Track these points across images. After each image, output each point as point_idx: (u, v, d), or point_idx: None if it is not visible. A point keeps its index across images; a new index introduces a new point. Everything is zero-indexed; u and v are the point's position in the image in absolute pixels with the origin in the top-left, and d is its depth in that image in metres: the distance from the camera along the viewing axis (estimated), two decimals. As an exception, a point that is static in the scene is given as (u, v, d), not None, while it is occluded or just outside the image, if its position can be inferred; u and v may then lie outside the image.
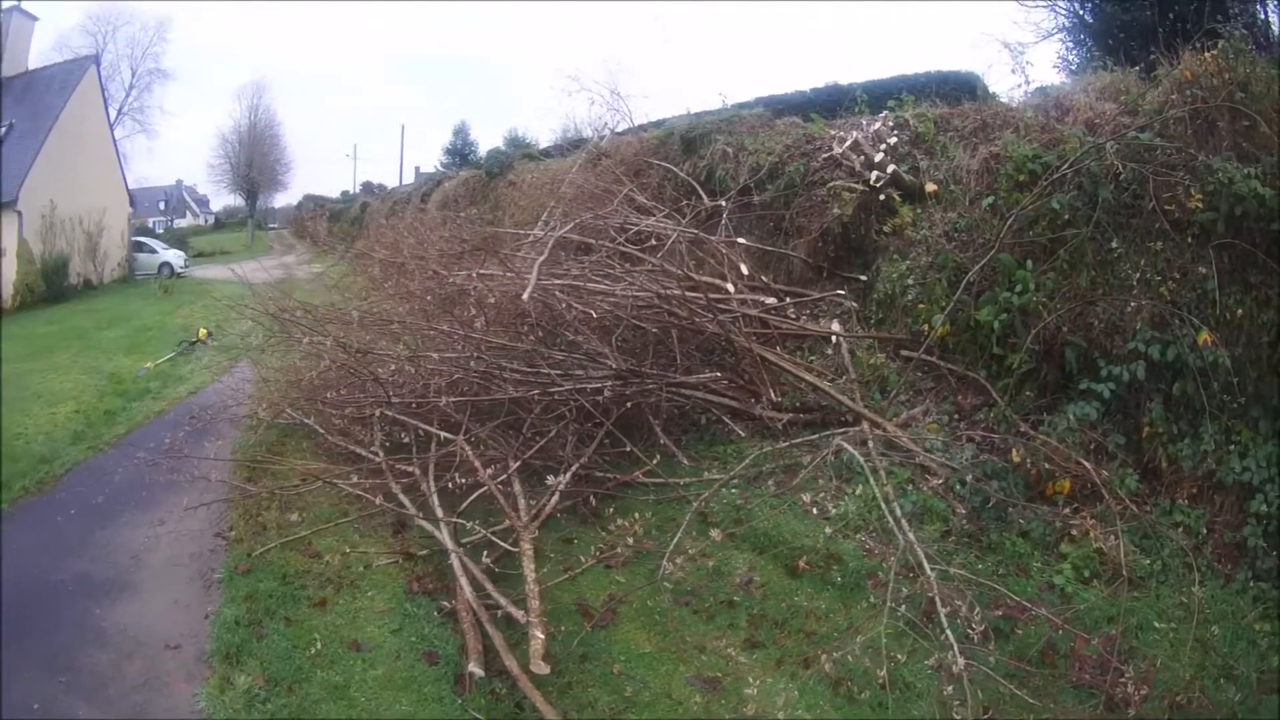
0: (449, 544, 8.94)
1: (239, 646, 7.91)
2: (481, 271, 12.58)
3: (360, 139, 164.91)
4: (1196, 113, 10.91)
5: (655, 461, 10.90)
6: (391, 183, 67.54)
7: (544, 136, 35.05)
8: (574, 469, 10.33)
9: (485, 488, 9.58)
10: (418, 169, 64.53)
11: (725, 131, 17.16)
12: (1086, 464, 9.61)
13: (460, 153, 58.57)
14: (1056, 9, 28.65)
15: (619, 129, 21.29)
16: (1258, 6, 22.79)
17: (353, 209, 55.05)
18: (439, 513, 9.53)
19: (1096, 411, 10.11)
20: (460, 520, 9.47)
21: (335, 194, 78.74)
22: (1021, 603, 8.43)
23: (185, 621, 8.52)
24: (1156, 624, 8.35)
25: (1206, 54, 11.25)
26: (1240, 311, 9.95)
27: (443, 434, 10.61)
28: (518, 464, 10.22)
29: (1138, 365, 9.98)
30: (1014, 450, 10.04)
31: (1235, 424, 9.67)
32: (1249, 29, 17.25)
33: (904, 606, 8.12)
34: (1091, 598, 8.61)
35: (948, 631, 7.63)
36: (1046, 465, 9.80)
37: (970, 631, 7.79)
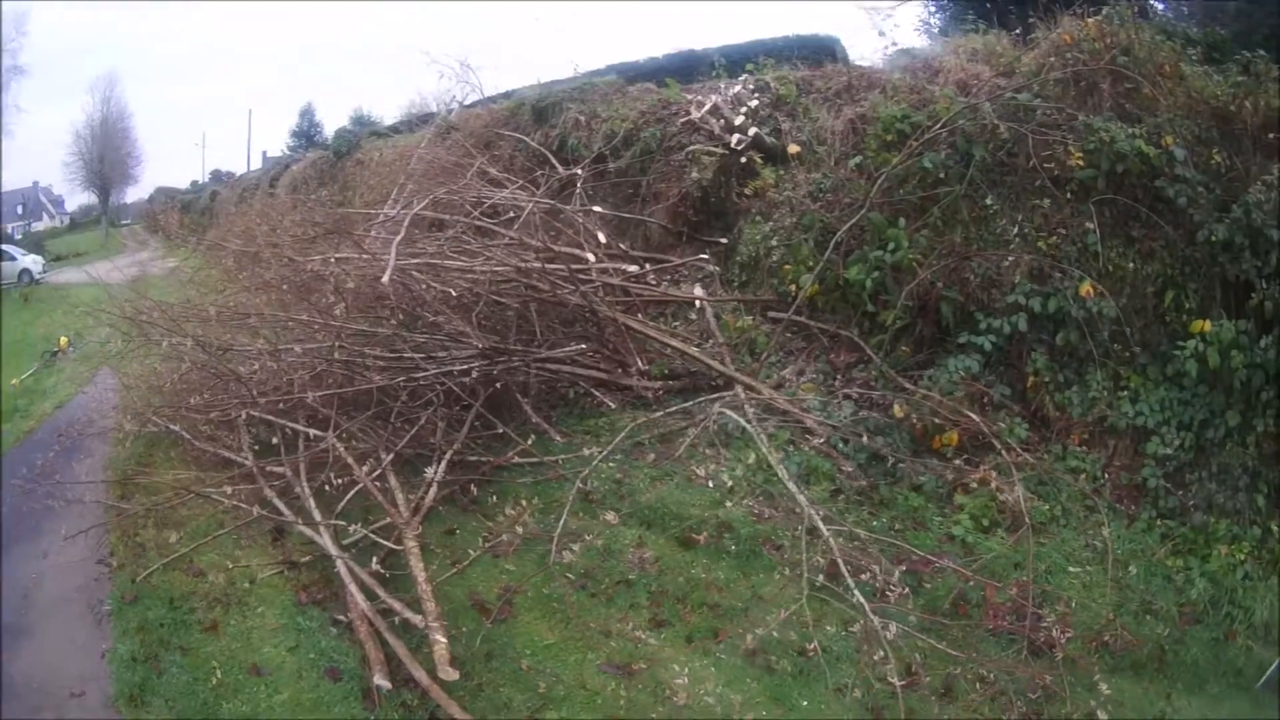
0: (332, 549, 8.63)
1: (141, 686, 7.53)
2: (337, 255, 12.16)
3: (210, 127, 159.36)
4: (1078, 75, 11.44)
5: (530, 441, 10.62)
6: (241, 169, 65.70)
7: (392, 114, 34.40)
8: (448, 456, 10.06)
9: (361, 485, 9.30)
10: (265, 154, 62.87)
11: (578, 100, 17.01)
12: (973, 415, 9.86)
13: (307, 135, 57.22)
14: None
15: (468, 101, 20.91)
16: None
17: (203, 199, 53.37)
18: (317, 516, 9.19)
19: (978, 364, 10.40)
20: (340, 523, 9.10)
21: (186, 185, 76.24)
22: (925, 556, 8.57)
23: (84, 663, 8.07)
24: (1069, 568, 8.64)
25: (1089, 19, 11.76)
26: (1123, 264, 10.51)
27: (311, 432, 10.30)
28: (390, 456, 9.89)
29: (1019, 317, 10.34)
30: (896, 405, 10.19)
31: (1124, 370, 10.21)
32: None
33: (807, 571, 8.11)
34: (995, 546, 8.84)
35: (855, 592, 7.69)
36: (933, 419, 9.97)
37: (886, 590, 7.95)
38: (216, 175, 70.26)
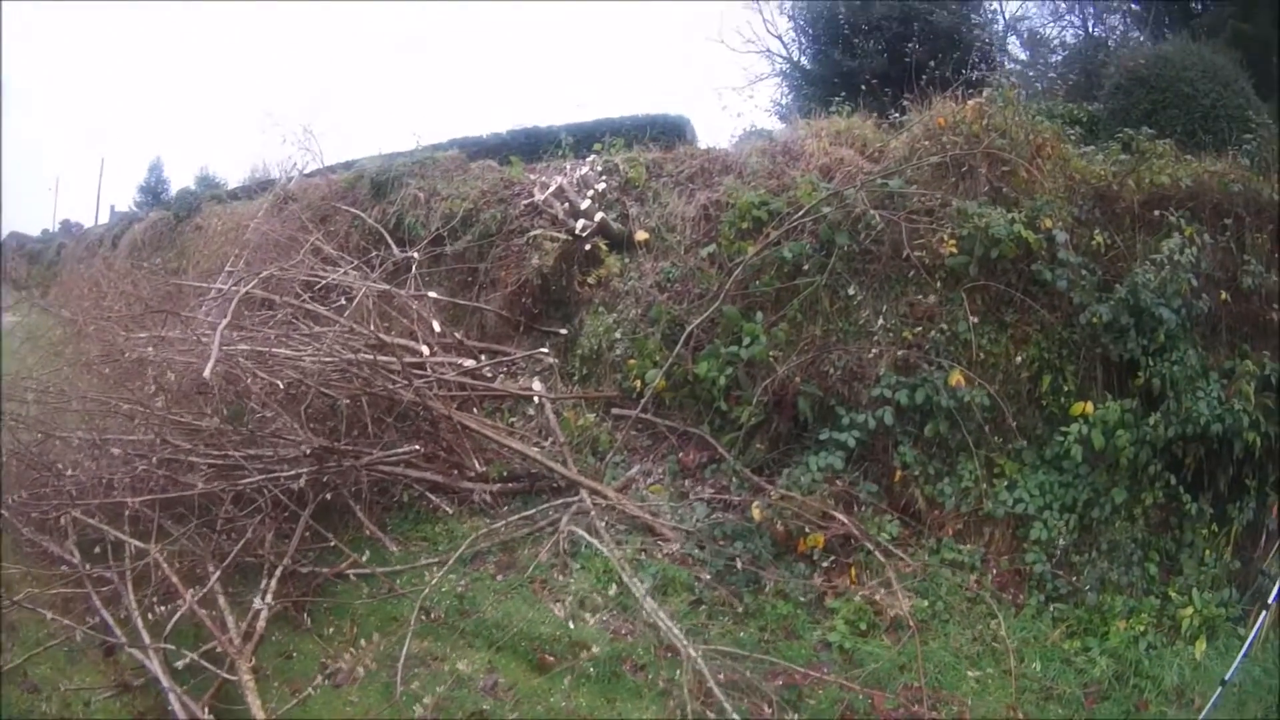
0: (163, 679, 8.03)
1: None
2: (161, 335, 11.87)
3: (72, 170, 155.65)
4: (955, 160, 11.46)
5: (365, 558, 10.15)
6: (90, 222, 64.41)
7: (236, 175, 34.16)
8: (278, 574, 9.54)
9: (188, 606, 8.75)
10: (113, 208, 61.77)
11: (417, 175, 16.83)
12: (840, 515, 9.75)
13: (154, 191, 56.42)
14: (771, 55, 30.30)
15: (308, 170, 20.67)
16: (996, 54, 24.72)
17: (50, 250, 52.18)
18: (145, 637, 8.58)
19: (841, 461, 10.30)
20: (169, 646, 8.43)
21: (38, 231, 74.46)
22: (799, 670, 8.35)
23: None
24: (960, 665, 8.57)
25: (968, 102, 11.84)
26: (996, 350, 10.63)
27: (135, 543, 9.61)
28: (218, 572, 9.32)
29: (884, 411, 10.30)
30: (754, 508, 10.04)
31: (997, 458, 10.32)
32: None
33: (674, 694, 7.90)
34: (877, 651, 8.68)
35: (733, 715, 7.49)
36: (796, 521, 9.82)
37: (764, 708, 7.76)
38: (66, 226, 68.77)
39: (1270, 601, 8.71)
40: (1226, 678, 7.99)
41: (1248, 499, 9.87)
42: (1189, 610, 9.03)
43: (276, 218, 18.07)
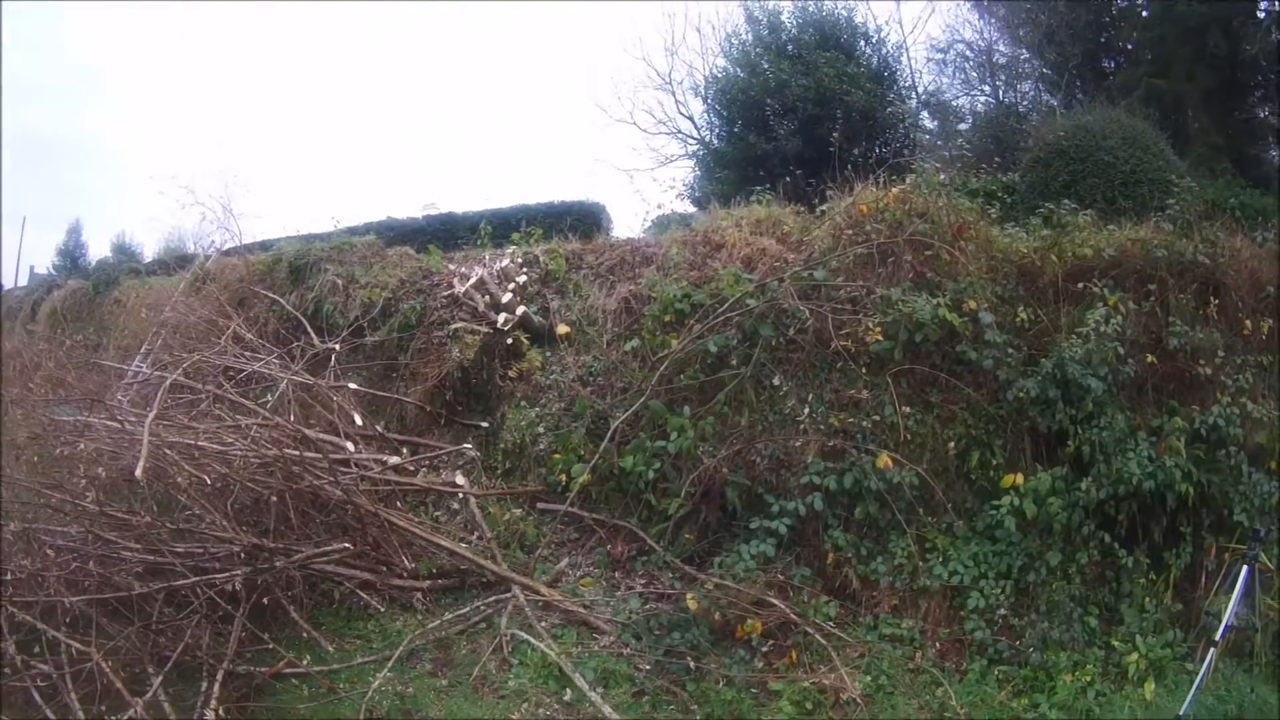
0: None
1: None
2: (86, 419, 11.54)
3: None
4: (880, 248, 11.67)
5: (306, 661, 10.03)
6: (10, 283, 63.37)
7: (153, 245, 33.93)
8: (219, 676, 9.35)
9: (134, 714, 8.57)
10: (32, 269, 60.77)
11: (336, 260, 16.75)
12: (776, 601, 9.91)
13: (72, 255, 55.72)
14: (683, 136, 30.73)
15: (226, 248, 20.50)
16: (912, 131, 25.02)
17: None
18: None
19: (773, 548, 10.44)
20: None
21: None
22: None
23: None
24: None
25: (891, 189, 12.07)
26: (923, 431, 10.89)
27: (75, 644, 9.35)
28: (160, 677, 9.15)
29: (814, 497, 10.49)
30: (689, 598, 10.13)
31: (928, 533, 10.55)
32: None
33: None
34: None
35: None
36: (731, 609, 9.91)
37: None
38: (-16, 285, 67.60)
39: (1216, 638, 8.92)
40: (1181, 713, 8.40)
41: (1184, 545, 10.26)
42: (1134, 656, 9.33)
43: (195, 297, 17.88)
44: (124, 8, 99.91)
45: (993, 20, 27.71)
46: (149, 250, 32.33)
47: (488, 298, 14.14)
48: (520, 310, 13.73)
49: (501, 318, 13.73)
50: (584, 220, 18.16)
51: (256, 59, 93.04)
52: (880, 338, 10.94)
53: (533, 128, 72.62)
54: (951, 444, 10.87)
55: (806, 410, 11.16)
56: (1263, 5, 22.53)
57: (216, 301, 16.89)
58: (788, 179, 16.37)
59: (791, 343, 11.52)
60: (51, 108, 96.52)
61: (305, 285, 16.71)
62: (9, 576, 9.99)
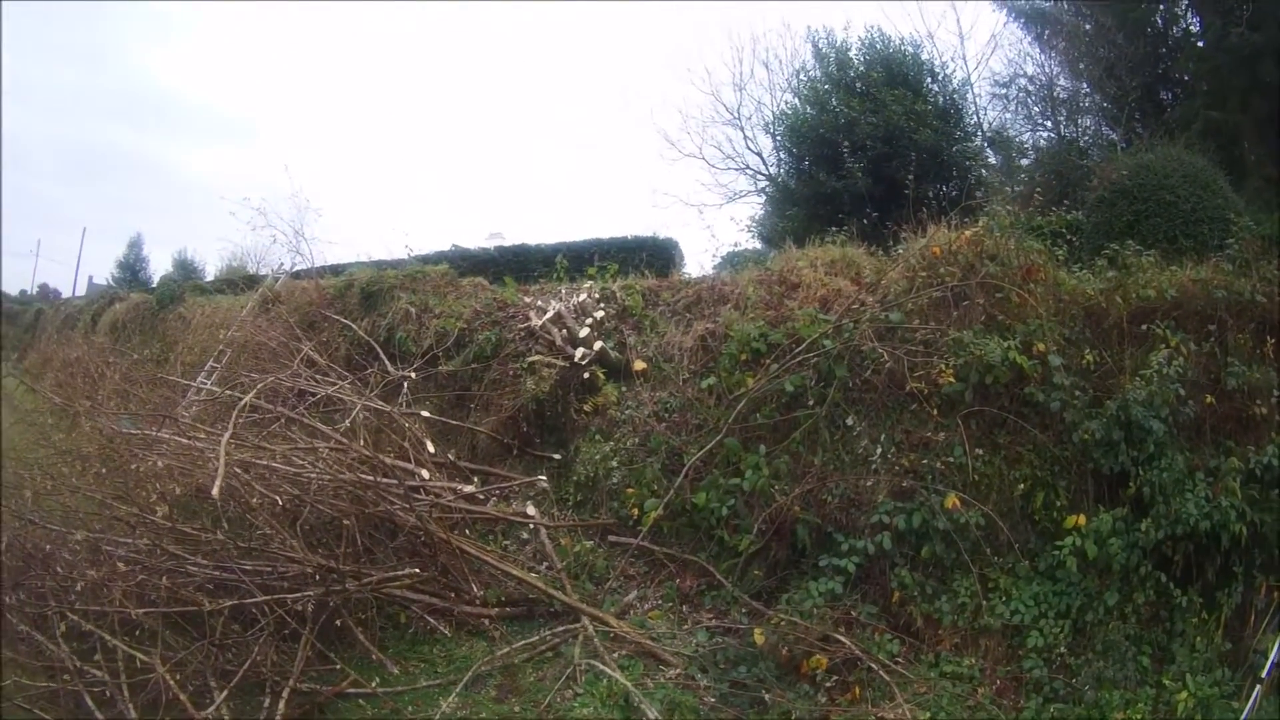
0: None
1: None
2: (155, 434, 11.83)
3: (44, 231, 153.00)
4: (955, 291, 11.79)
5: (374, 683, 10.20)
6: (67, 290, 64.36)
7: (213, 260, 34.36)
8: (284, 693, 9.56)
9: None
10: (91, 279, 61.62)
11: (409, 289, 17.01)
12: (843, 638, 9.99)
13: (132, 268, 56.43)
14: (752, 172, 30.74)
15: (296, 269, 20.74)
16: (979, 169, 24.95)
17: (29, 313, 51.98)
18: None
19: (841, 585, 10.58)
20: None
21: (15, 291, 74.15)
22: None
23: None
24: None
25: (964, 232, 12.16)
26: (990, 472, 10.96)
27: (138, 655, 9.58)
28: (225, 693, 9.35)
29: (883, 536, 10.57)
30: (757, 633, 10.24)
31: (991, 573, 10.60)
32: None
33: None
34: None
35: None
36: (798, 645, 10.01)
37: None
38: (44, 291, 68.70)
39: (1263, 675, 9.10)
40: None
41: (1235, 584, 10.24)
42: (1183, 694, 9.32)
43: (263, 317, 18.12)
44: (194, 24, 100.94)
45: (1053, 54, 27.84)
46: (211, 269, 32.67)
47: (565, 331, 14.34)
48: (598, 345, 13.92)
49: (579, 352, 13.91)
50: (657, 256, 18.38)
51: (327, 84, 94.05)
52: (952, 380, 11.06)
53: (601, 160, 72.90)
54: (1021, 485, 10.96)
55: (879, 450, 11.29)
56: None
57: (286, 323, 17.10)
58: (863, 219, 16.39)
59: (866, 383, 11.66)
60: (111, 122, 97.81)
61: (378, 312, 16.97)
62: (77, 585, 10.25)
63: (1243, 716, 8.95)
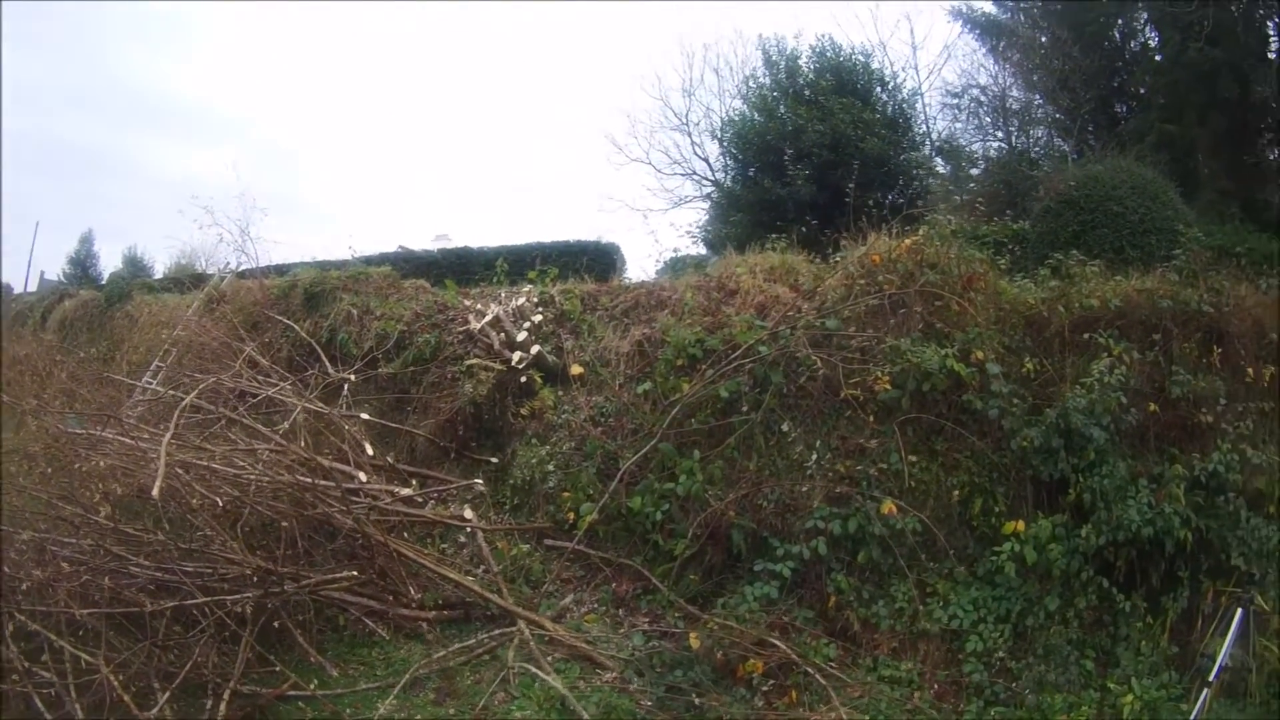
0: None
1: None
2: (99, 434, 11.66)
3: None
4: (893, 299, 11.86)
5: (312, 686, 10.10)
6: (19, 286, 63.56)
7: (164, 260, 34.05)
8: (225, 695, 9.50)
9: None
10: (42, 274, 60.87)
11: (351, 289, 16.89)
12: (778, 642, 10.07)
13: (83, 264, 55.78)
14: (697, 178, 30.85)
15: (241, 269, 20.61)
16: (925, 178, 25.10)
17: None
18: None
19: (777, 590, 10.62)
20: None
21: None
22: None
23: None
24: None
25: (904, 241, 12.24)
26: (927, 478, 11.10)
27: (83, 657, 9.51)
28: (167, 695, 9.32)
29: (818, 541, 10.65)
30: (693, 637, 10.30)
31: (929, 578, 10.77)
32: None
33: None
34: None
35: None
36: (733, 649, 10.06)
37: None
38: (-4, 287, 67.66)
39: (1210, 679, 9.18)
40: None
41: (1181, 589, 10.45)
42: (1129, 697, 9.53)
43: (208, 317, 17.97)
44: (151, 18, 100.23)
45: (1007, 66, 27.96)
46: (160, 265, 32.41)
47: (503, 335, 14.31)
48: (535, 349, 13.90)
49: (516, 356, 13.89)
50: (599, 260, 18.42)
51: (278, 83, 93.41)
52: (889, 387, 11.14)
53: (547, 163, 72.71)
54: (955, 491, 11.08)
55: (814, 456, 11.36)
56: (1275, 48, 22.79)
57: (230, 323, 16.98)
58: (803, 227, 16.44)
59: (801, 390, 11.73)
60: (69, 114, 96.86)
61: (320, 313, 16.85)
62: (23, 585, 10.19)
63: (1191, 718, 9.11)
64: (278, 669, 10.22)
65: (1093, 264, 12.62)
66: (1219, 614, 10.25)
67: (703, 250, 25.80)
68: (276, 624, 10.57)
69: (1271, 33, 23.00)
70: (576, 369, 13.65)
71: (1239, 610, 9.54)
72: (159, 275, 29.38)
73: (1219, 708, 9.54)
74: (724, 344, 12.16)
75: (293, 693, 10.00)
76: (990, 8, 28.37)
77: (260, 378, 14.62)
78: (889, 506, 10.62)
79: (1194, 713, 9.14)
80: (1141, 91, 24.94)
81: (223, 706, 9.36)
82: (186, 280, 23.26)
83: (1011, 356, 11.62)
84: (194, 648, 9.81)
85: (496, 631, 11.00)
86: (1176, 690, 9.74)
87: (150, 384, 15.34)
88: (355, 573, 11.26)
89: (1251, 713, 9.76)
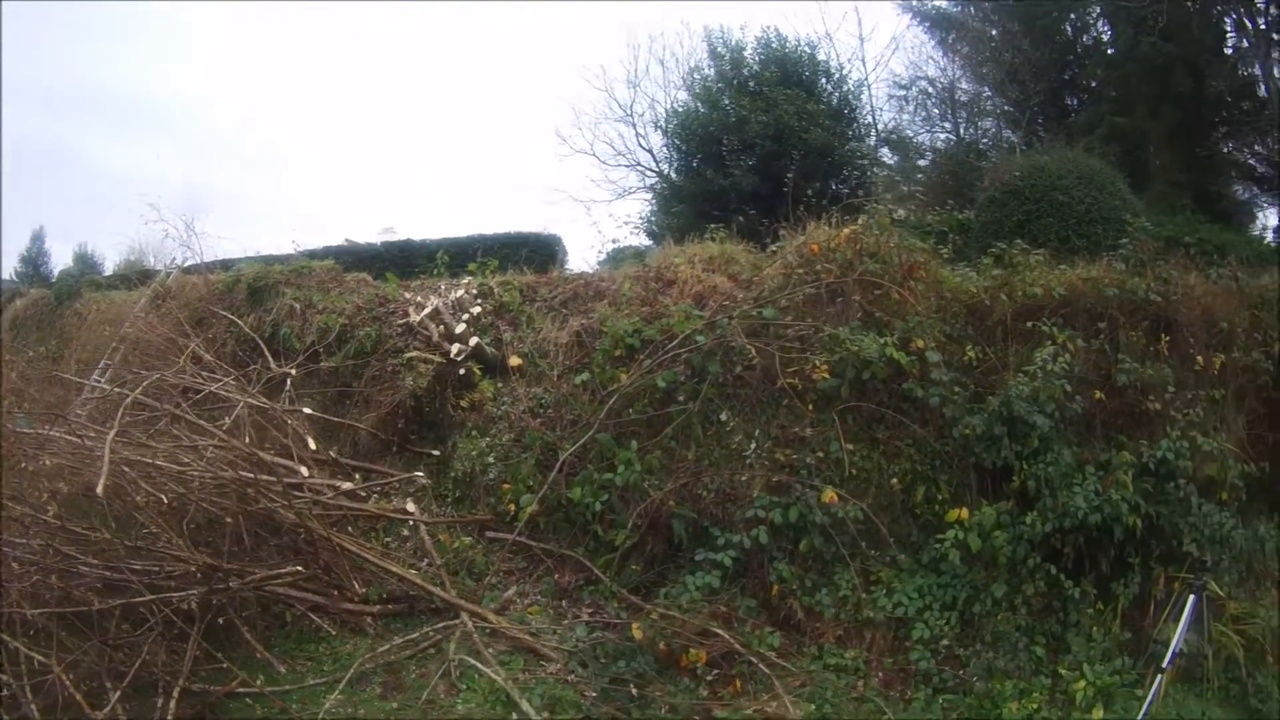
0: None
1: None
2: (47, 433, 11.60)
3: None
4: (831, 288, 11.93)
5: (259, 681, 10.13)
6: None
7: (115, 257, 33.78)
8: (175, 693, 9.48)
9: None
10: (-1, 272, 60.40)
11: (294, 284, 16.71)
12: (721, 631, 10.13)
13: (34, 262, 55.33)
14: (641, 169, 30.91)
15: (187, 265, 20.45)
16: (870, 168, 25.27)
17: None
18: None
19: (718, 579, 10.63)
20: None
21: None
22: None
23: None
24: None
25: (842, 230, 12.23)
26: (868, 466, 11.17)
27: (36, 657, 9.40)
28: (118, 694, 9.27)
29: (759, 530, 10.67)
30: (635, 628, 10.30)
31: (873, 566, 10.87)
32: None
33: None
34: None
35: None
36: (676, 639, 10.09)
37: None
38: (-46, 288, 66.96)
39: (1164, 665, 9.33)
40: None
41: (1132, 575, 10.52)
42: (1081, 683, 9.60)
43: (155, 314, 17.82)
44: (95, 14, 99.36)
45: (956, 58, 28.29)
46: (110, 263, 32.18)
47: (442, 327, 14.27)
48: (473, 341, 13.85)
49: (455, 348, 13.84)
50: (540, 252, 18.41)
51: (225, 76, 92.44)
52: (827, 375, 11.18)
53: (493, 156, 72.21)
54: (895, 479, 11.14)
55: (753, 446, 11.42)
56: (1231, 43, 23.07)
57: (176, 320, 16.80)
58: (741, 217, 16.52)
59: (739, 379, 11.75)
60: (20, 110, 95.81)
61: (263, 308, 16.66)
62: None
63: (1146, 704, 9.22)
64: (225, 666, 10.21)
65: (1037, 253, 12.65)
66: (1172, 600, 10.34)
67: (648, 242, 25.79)
68: (222, 621, 10.58)
69: (1229, 28, 23.34)
70: (515, 360, 13.65)
71: (1191, 596, 9.72)
72: (109, 272, 29.18)
73: (1176, 693, 9.69)
74: (661, 334, 12.14)
75: (241, 690, 10.00)
76: (941, 2, 28.64)
77: (205, 374, 14.55)
78: (830, 495, 10.66)
79: (1148, 698, 9.26)
80: (1093, 85, 25.23)
81: (172, 704, 9.33)
82: (134, 277, 23.08)
83: (953, 345, 11.68)
84: (143, 646, 9.78)
85: (440, 625, 10.99)
86: (1130, 676, 9.83)
87: (98, 382, 15.27)
88: (300, 568, 11.22)
89: (1210, 697, 9.88)
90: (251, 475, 11.52)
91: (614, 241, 21.31)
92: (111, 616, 9.91)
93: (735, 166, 23.08)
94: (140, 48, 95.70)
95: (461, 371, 13.81)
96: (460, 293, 15.03)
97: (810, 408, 11.40)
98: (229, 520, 11.12)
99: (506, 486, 12.32)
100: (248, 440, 12.51)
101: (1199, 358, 11.88)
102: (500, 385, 13.64)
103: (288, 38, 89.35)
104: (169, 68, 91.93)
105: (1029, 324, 11.64)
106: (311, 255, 18.89)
